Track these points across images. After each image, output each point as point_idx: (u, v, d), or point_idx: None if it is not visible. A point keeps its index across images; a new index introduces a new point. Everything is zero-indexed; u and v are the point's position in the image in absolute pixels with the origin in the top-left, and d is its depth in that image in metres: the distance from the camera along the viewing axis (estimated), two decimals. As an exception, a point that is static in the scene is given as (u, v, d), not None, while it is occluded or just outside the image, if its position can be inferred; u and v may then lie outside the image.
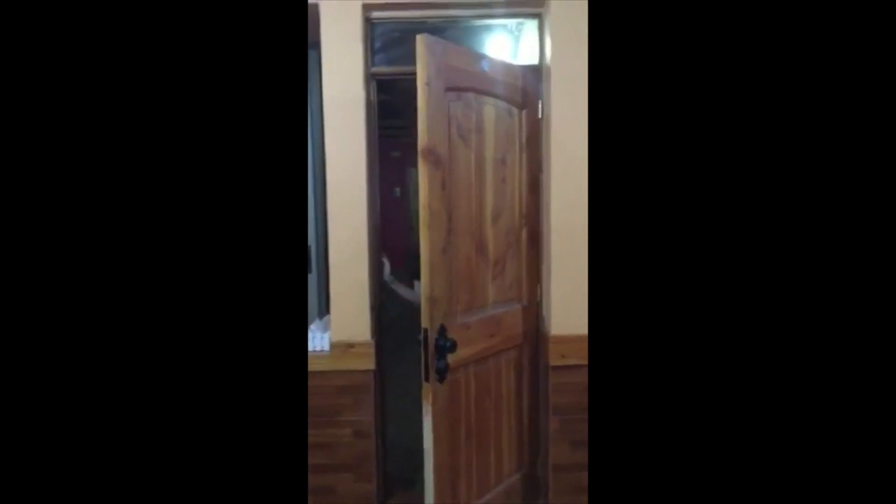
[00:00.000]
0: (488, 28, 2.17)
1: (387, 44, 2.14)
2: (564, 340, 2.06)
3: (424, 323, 1.64)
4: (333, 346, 2.07)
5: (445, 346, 1.69)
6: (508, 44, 2.21)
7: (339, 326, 2.08)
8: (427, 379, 1.64)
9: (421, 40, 1.61)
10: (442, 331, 1.69)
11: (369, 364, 2.09)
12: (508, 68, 2.01)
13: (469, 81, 1.82)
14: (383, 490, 2.23)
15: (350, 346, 2.08)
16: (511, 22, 2.17)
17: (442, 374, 1.67)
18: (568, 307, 2.06)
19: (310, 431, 1.97)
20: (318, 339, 2.12)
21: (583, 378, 2.10)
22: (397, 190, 5.55)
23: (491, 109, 1.93)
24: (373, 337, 2.11)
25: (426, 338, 1.65)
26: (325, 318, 2.21)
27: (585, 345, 2.06)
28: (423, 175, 1.63)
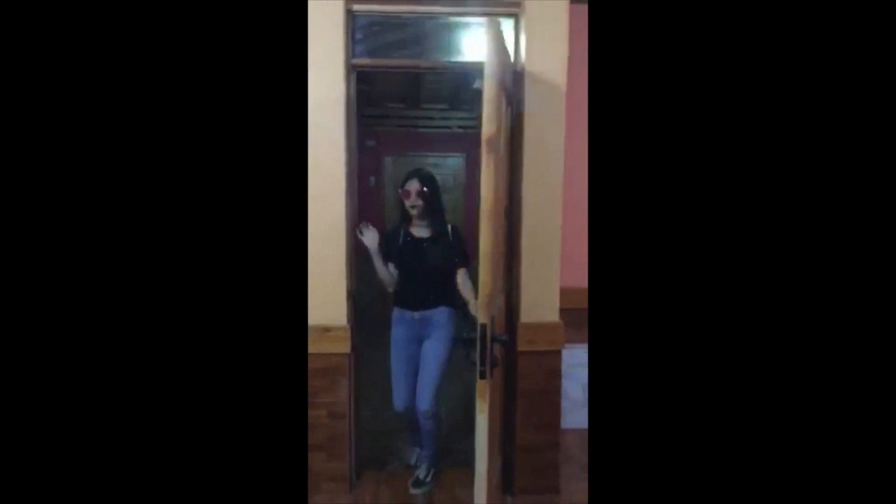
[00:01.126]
0: (465, 25, 2.23)
1: (367, 36, 2.19)
2: (532, 327, 2.17)
3: (482, 319, 1.55)
4: (311, 329, 2.13)
5: (502, 340, 1.65)
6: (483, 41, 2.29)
7: (317, 311, 2.13)
8: (483, 376, 1.54)
9: (492, 32, 1.56)
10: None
11: (345, 347, 2.16)
12: (508, 64, 2.03)
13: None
14: (355, 469, 2.31)
15: (326, 329, 2.14)
16: (486, 20, 2.24)
17: (493, 368, 1.59)
18: (537, 296, 2.17)
19: (285, 412, 2.03)
20: (294, 323, 2.18)
21: (549, 363, 2.21)
22: (372, 179, 5.57)
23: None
24: (349, 322, 2.17)
25: (484, 334, 1.55)
26: (302, 302, 2.27)
27: (552, 331, 2.17)
28: (486, 166, 1.58)
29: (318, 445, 2.19)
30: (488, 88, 1.56)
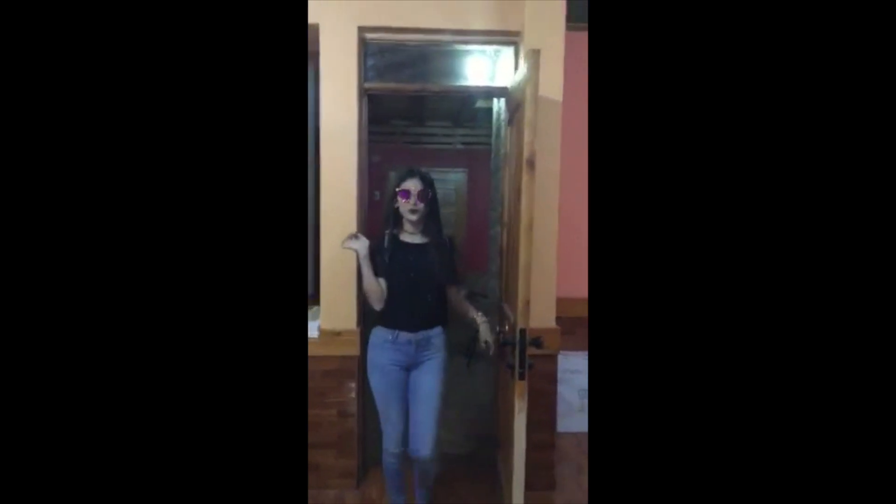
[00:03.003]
0: (469, 52, 2.41)
1: (378, 63, 2.37)
2: (531, 333, 2.31)
3: (521, 324, 1.75)
4: (322, 333, 2.28)
5: (538, 343, 1.78)
6: (487, 67, 2.47)
7: (328, 315, 2.29)
8: (522, 377, 1.74)
9: (534, 56, 1.71)
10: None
11: (354, 350, 2.30)
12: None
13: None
14: (362, 466, 2.44)
15: (337, 334, 2.29)
16: (489, 48, 2.42)
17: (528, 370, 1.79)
18: (536, 303, 2.31)
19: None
20: (308, 327, 2.33)
21: (547, 367, 2.35)
22: (377, 193, 5.73)
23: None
24: (358, 326, 2.32)
25: (523, 338, 1.73)
26: (315, 308, 2.42)
27: (550, 336, 2.32)
28: (526, 183, 1.75)
29: (328, 443, 2.33)
30: (529, 113, 1.73)
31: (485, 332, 1.92)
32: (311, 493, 2.35)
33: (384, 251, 1.93)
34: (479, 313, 1.96)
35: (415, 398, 1.93)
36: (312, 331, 2.31)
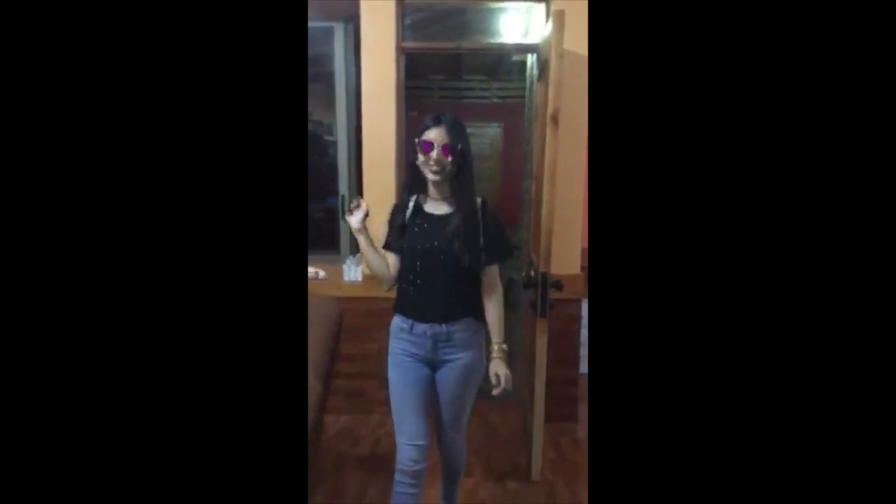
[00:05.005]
0: (503, 10, 2.50)
1: (415, 22, 2.49)
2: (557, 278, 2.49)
3: (543, 268, 1.95)
4: (365, 277, 2.51)
5: (558, 285, 2.00)
6: (521, 23, 2.55)
7: (370, 261, 2.51)
8: (543, 315, 1.99)
9: (558, 17, 1.81)
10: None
11: (393, 293, 2.52)
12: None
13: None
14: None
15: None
16: (521, 5, 2.50)
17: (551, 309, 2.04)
18: (562, 251, 2.47)
19: (344, 346, 2.42)
20: (352, 272, 2.56)
21: (571, 310, 2.53)
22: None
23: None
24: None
25: (544, 280, 1.92)
26: (358, 255, 2.64)
27: (574, 282, 2.48)
28: (550, 137, 1.89)
29: (371, 374, 2.60)
30: (554, 71, 1.85)
31: (496, 366, 1.53)
32: (356, 417, 2.64)
33: (397, 220, 1.57)
34: (500, 340, 1.56)
35: (438, 403, 1.60)
36: (358, 275, 2.55)
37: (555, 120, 1.88)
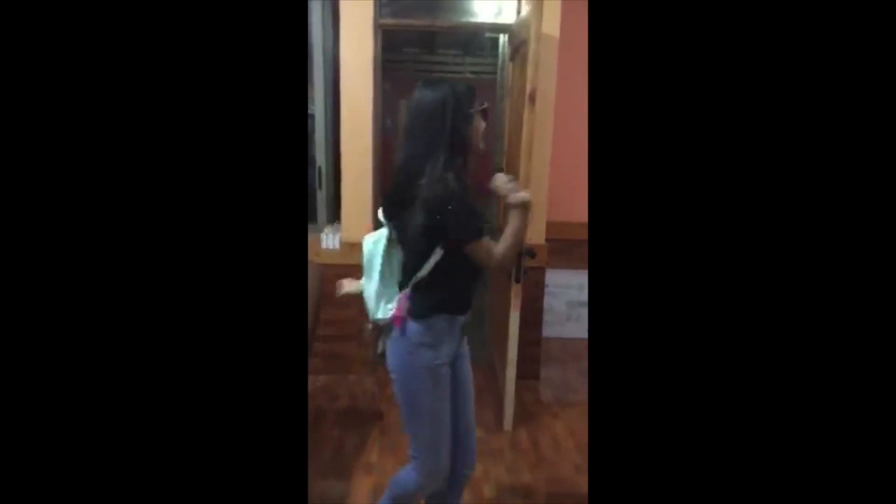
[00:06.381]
0: (477, -10, 2.61)
1: (392, -2, 2.57)
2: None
3: None
4: (342, 244, 2.64)
5: (531, 253, 2.17)
6: (493, 3, 2.66)
7: (348, 229, 2.64)
8: (518, 281, 2.15)
9: (537, 2, 1.92)
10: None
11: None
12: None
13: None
14: (376, 356, 2.87)
15: (354, 245, 2.64)
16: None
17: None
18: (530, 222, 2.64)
19: (322, 311, 2.56)
20: (330, 240, 2.69)
21: (535, 277, 2.71)
22: (388, 120, 5.94)
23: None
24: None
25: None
26: (335, 223, 2.77)
27: (539, 251, 2.65)
28: (527, 115, 2.02)
29: (348, 336, 2.75)
30: (533, 51, 1.97)
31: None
32: (335, 377, 2.80)
33: (461, 198, 1.25)
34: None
35: (457, 394, 1.42)
36: (335, 243, 2.67)
37: (532, 99, 2.02)
